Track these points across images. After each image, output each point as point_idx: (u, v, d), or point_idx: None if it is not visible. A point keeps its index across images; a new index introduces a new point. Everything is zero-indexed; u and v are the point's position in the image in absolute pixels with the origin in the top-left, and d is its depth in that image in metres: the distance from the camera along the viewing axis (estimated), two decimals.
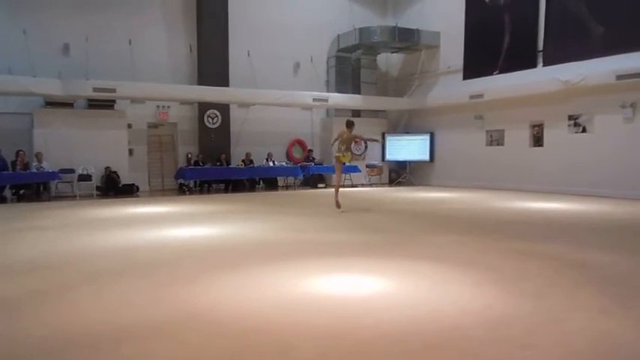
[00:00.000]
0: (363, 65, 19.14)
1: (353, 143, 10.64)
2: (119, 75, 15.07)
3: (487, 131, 16.78)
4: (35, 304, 4.11)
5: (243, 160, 16.76)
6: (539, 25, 14.91)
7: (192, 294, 4.33)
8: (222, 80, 16.61)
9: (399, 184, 18.89)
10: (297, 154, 18.82)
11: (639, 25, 12.63)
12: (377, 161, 18.86)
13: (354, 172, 17.39)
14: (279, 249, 6.34)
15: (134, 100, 15.84)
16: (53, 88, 14.08)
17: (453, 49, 17.50)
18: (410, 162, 19.13)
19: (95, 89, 14.38)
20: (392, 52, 19.65)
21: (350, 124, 10.24)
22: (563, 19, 14.31)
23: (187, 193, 15.43)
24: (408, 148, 18.94)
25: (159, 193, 15.84)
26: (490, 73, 16.16)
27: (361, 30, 17.96)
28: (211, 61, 16.68)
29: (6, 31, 14.51)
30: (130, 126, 15.85)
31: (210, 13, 16.73)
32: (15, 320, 3.74)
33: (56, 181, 14.16)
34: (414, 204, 12.04)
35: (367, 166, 18.43)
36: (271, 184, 17.34)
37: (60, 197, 14.13)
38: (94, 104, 15.14)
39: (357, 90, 18.85)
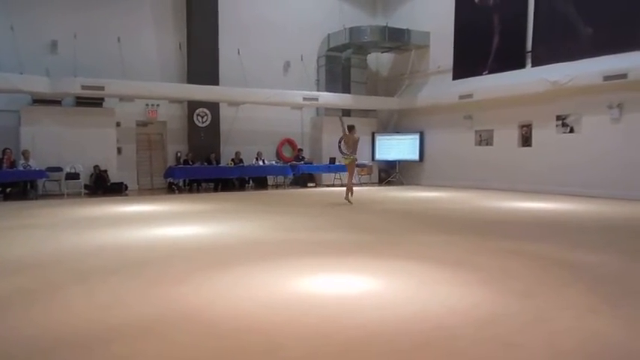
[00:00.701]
0: (353, 65, 19.19)
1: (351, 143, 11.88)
2: (108, 73, 14.99)
3: (476, 131, 16.89)
4: (25, 304, 4.10)
5: (232, 159, 16.75)
6: (528, 25, 15.05)
7: (183, 293, 4.33)
8: (212, 79, 16.57)
9: (389, 183, 18.96)
10: (287, 153, 18.82)
11: (627, 26, 12.79)
12: (367, 160, 18.92)
13: (344, 171, 17.38)
14: (269, 248, 6.35)
15: (123, 98, 15.76)
16: (41, 85, 13.97)
17: (442, 49, 17.60)
18: (400, 161, 19.20)
19: (83, 87, 14.29)
20: (382, 52, 19.72)
21: (352, 128, 11.87)
22: (552, 20, 14.44)
23: (176, 192, 15.40)
24: (398, 147, 19.01)
25: (148, 192, 15.78)
26: (479, 74, 16.27)
27: (351, 29, 18.00)
28: (201, 59, 16.64)
29: None
30: (118, 124, 15.77)
31: (200, 11, 16.69)
32: (4, 319, 3.74)
33: (44, 179, 14.06)
34: (404, 203, 12.09)
35: (357, 166, 18.43)
36: (261, 184, 17.34)
37: (47, 196, 14.03)
38: (82, 102, 15.04)
39: (347, 89, 18.89)
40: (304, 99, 17.51)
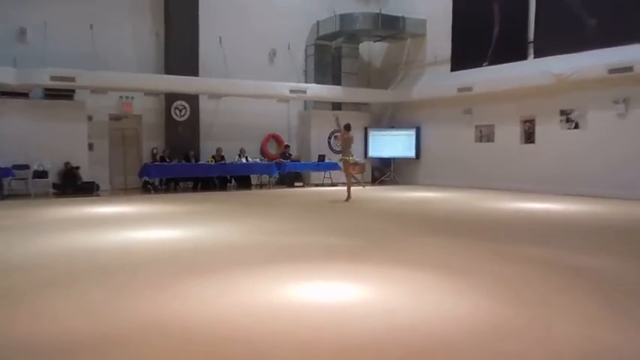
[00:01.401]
0: (344, 54, 19.19)
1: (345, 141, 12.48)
2: (79, 63, 14.85)
3: (476, 126, 16.98)
4: None
5: (213, 156, 16.70)
6: (530, 14, 15.12)
7: (157, 302, 4.33)
8: (191, 69, 16.51)
9: (383, 182, 19.01)
10: (273, 149, 18.79)
11: (632, 17, 12.92)
12: (359, 158, 18.90)
13: (333, 169, 17.42)
14: (253, 253, 6.35)
15: (95, 90, 15.64)
16: (7, 76, 13.85)
17: (440, 38, 17.63)
18: (394, 159, 19.26)
19: (53, 78, 14.18)
20: (375, 41, 19.74)
21: (349, 127, 12.60)
22: (554, 10, 14.55)
23: (152, 192, 15.33)
24: (393, 143, 19.05)
25: (121, 191, 15.72)
26: (479, 65, 16.34)
27: (342, 17, 17.99)
28: (179, 48, 16.57)
29: None
30: (90, 118, 15.65)
31: None
32: None
33: (9, 178, 13.94)
34: (398, 204, 12.13)
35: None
36: (244, 183, 17.30)
37: (13, 196, 13.92)
38: (52, 94, 14.92)
39: (337, 81, 18.89)
40: (291, 91, 17.49)
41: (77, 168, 14.94)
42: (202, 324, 3.78)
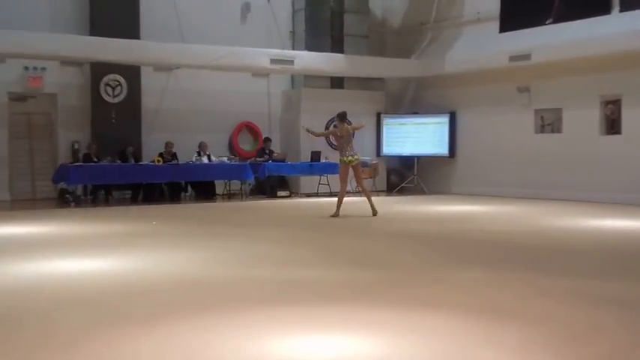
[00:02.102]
0: (348, 9, 19.22)
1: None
2: None
3: (536, 111, 16.99)
4: None
5: (161, 154, 16.61)
6: None
7: None
8: (129, 29, 16.49)
9: (403, 191, 18.97)
10: (247, 145, 18.78)
11: None
12: (369, 157, 18.85)
13: (334, 173, 17.29)
14: (217, 293, 6.32)
15: None
16: None
17: None
18: (419, 158, 19.22)
19: None
20: None
21: (343, 117, 12.78)
22: None
23: (72, 204, 15.26)
24: (417, 136, 19.04)
25: (27, 203, 15.65)
26: (541, 23, 16.34)
27: None
28: (113, 1, 16.52)
29: None
30: None
31: None
32: None
33: None
34: (425, 223, 12.13)
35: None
36: (205, 192, 17.26)
37: None
38: None
39: (338, 47, 18.89)
40: (272, 61, 17.43)
41: None
42: None
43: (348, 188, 17.82)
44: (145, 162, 16.49)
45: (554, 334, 4.85)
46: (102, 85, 16.75)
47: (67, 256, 8.31)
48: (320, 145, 18.37)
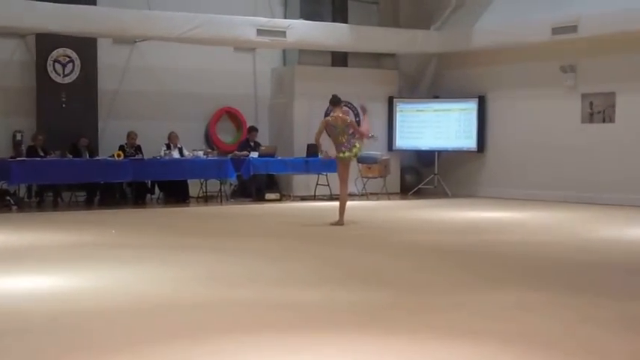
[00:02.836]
0: None
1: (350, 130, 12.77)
2: None
3: (583, 95, 17.03)
4: None
5: (122, 147, 16.63)
6: None
7: None
8: None
9: (420, 193, 18.99)
10: (228, 136, 18.86)
11: None
12: (378, 152, 18.83)
13: (336, 171, 17.25)
14: (192, 318, 6.30)
15: None
16: None
17: None
18: (440, 153, 19.27)
19: None
20: None
21: (337, 102, 12.79)
22: None
23: (14, 207, 15.30)
24: (438, 126, 19.11)
25: None
26: None
27: None
28: None
29: None
30: None
31: None
32: None
33: None
34: (447, 233, 12.14)
35: (360, 160, 18.38)
36: (176, 194, 17.31)
37: None
38: None
39: (341, 15, 18.92)
40: (260, 32, 17.40)
41: None
42: None
43: (354, 190, 18.05)
44: (102, 157, 16.53)
45: None
46: (49, 62, 16.76)
47: (7, 273, 8.27)
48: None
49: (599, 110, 16.85)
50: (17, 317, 6.34)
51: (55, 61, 16.79)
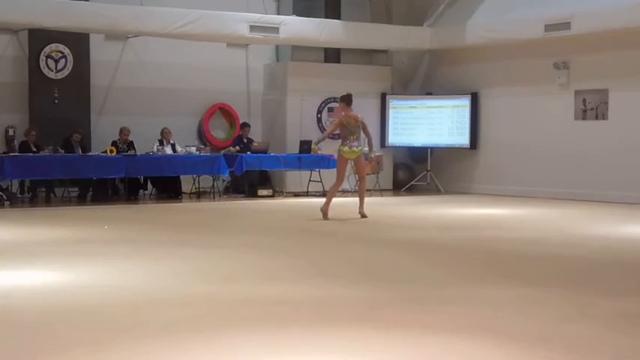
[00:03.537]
0: None
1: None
2: None
3: (577, 92, 17.01)
4: None
5: (114, 143, 16.61)
6: None
7: None
8: None
9: (413, 190, 19.01)
10: (220, 132, 18.84)
11: None
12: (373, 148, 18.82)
13: (328, 167, 17.27)
14: (185, 313, 6.29)
15: None
16: None
17: None
18: (433, 149, 19.28)
19: None
20: None
21: (349, 101, 13.04)
22: None
23: (6, 203, 15.27)
24: (431, 123, 19.10)
25: None
26: None
27: None
28: None
29: None
30: None
31: None
32: None
33: None
34: (442, 229, 12.15)
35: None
36: (169, 190, 17.30)
37: None
38: None
39: (334, 11, 18.89)
40: (252, 28, 17.38)
41: None
42: None
43: (347, 187, 18.04)
44: (94, 153, 16.47)
45: None
46: (42, 58, 16.73)
47: None
48: (311, 132, 18.28)
49: (592, 107, 16.84)
50: (9, 312, 6.33)
51: (47, 56, 16.76)
